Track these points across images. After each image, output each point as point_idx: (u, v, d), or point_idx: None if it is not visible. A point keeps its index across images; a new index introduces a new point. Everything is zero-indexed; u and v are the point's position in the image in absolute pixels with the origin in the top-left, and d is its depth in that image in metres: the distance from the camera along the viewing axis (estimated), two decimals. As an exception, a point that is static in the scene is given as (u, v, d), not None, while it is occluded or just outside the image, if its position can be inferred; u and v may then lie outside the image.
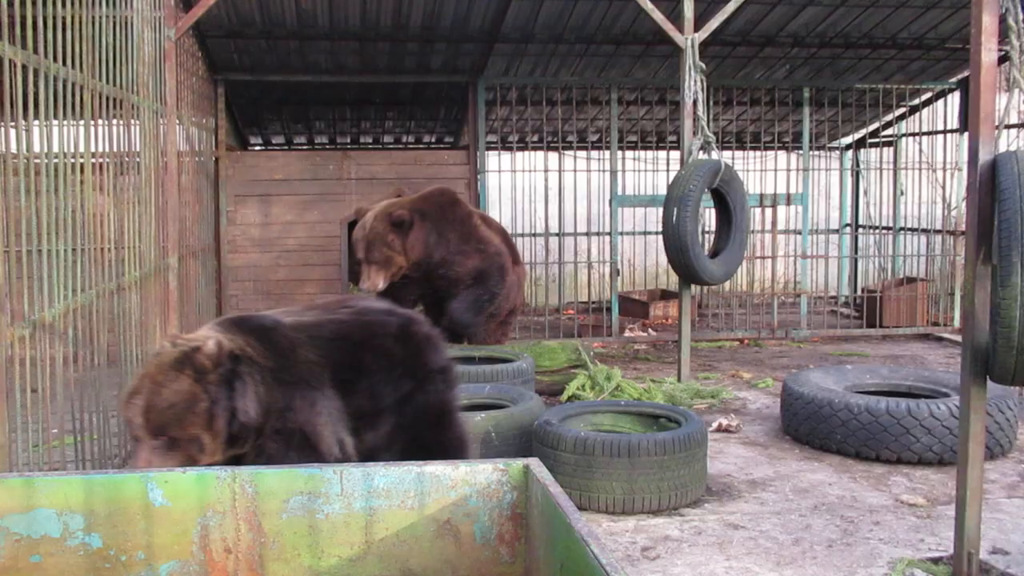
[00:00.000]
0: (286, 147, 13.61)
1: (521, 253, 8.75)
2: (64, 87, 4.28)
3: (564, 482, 4.59)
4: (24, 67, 3.79)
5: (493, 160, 11.41)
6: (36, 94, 3.95)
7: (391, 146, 13.87)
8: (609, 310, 10.68)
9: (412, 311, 4.71)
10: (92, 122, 4.75)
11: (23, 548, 2.21)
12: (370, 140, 13.69)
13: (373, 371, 3.65)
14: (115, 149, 5.25)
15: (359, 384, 3.61)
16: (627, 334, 10.43)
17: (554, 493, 2.11)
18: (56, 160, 4.28)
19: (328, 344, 3.59)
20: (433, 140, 13.82)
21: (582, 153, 12.21)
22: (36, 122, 3.99)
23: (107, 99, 5.03)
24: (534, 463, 2.35)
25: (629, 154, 11.77)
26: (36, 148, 3.99)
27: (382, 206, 7.52)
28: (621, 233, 11.11)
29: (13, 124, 3.81)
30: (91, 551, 2.22)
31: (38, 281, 4.04)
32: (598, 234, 11.70)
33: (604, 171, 10.86)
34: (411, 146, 13.94)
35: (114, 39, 5.18)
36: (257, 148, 13.25)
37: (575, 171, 10.90)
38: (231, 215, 9.99)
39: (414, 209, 7.38)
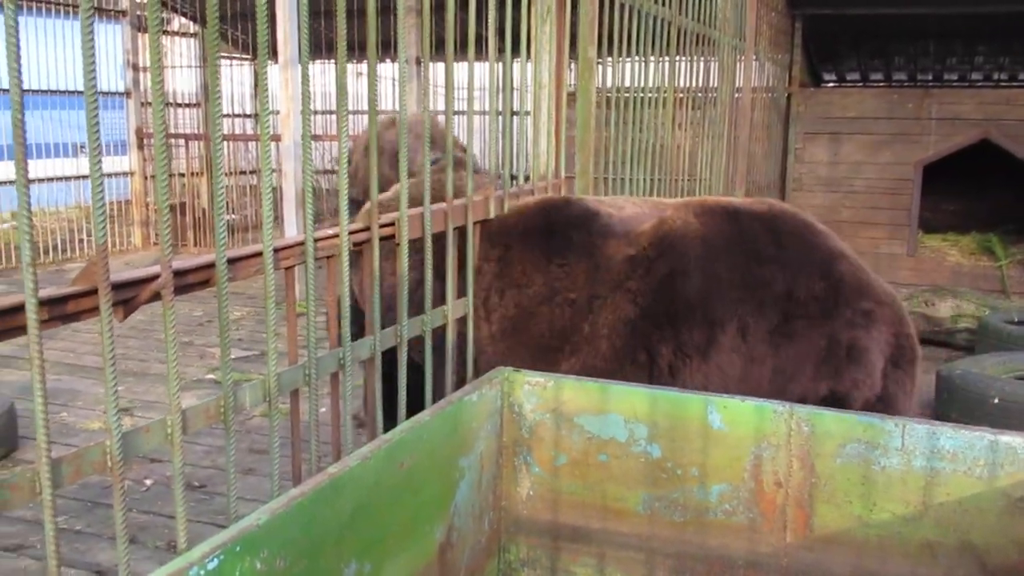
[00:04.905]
0: (861, 84, 13.05)
1: None
2: (654, 24, 4.52)
3: None
4: (622, 5, 4.06)
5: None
6: (631, 30, 4.22)
7: (979, 84, 12.62)
8: None
9: None
10: (676, 58, 4.97)
11: (593, 446, 2.43)
12: (955, 77, 12.58)
13: None
14: (695, 84, 5.44)
15: None
16: None
17: None
18: (643, 95, 4.55)
19: None
20: (1031, 77, 12.32)
21: None
22: (631, 58, 4.27)
23: (692, 35, 5.22)
24: None
25: None
26: (628, 82, 4.28)
27: None
28: None
29: (611, 59, 4.12)
30: (651, 460, 2.37)
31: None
32: None
33: None
34: (1003, 84, 12.55)
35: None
36: (830, 84, 12.90)
37: None
38: (799, 152, 9.89)
39: None
